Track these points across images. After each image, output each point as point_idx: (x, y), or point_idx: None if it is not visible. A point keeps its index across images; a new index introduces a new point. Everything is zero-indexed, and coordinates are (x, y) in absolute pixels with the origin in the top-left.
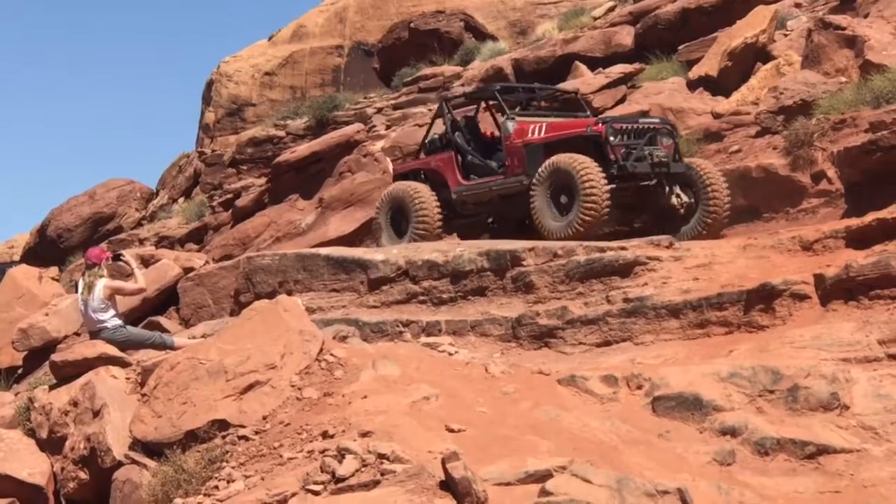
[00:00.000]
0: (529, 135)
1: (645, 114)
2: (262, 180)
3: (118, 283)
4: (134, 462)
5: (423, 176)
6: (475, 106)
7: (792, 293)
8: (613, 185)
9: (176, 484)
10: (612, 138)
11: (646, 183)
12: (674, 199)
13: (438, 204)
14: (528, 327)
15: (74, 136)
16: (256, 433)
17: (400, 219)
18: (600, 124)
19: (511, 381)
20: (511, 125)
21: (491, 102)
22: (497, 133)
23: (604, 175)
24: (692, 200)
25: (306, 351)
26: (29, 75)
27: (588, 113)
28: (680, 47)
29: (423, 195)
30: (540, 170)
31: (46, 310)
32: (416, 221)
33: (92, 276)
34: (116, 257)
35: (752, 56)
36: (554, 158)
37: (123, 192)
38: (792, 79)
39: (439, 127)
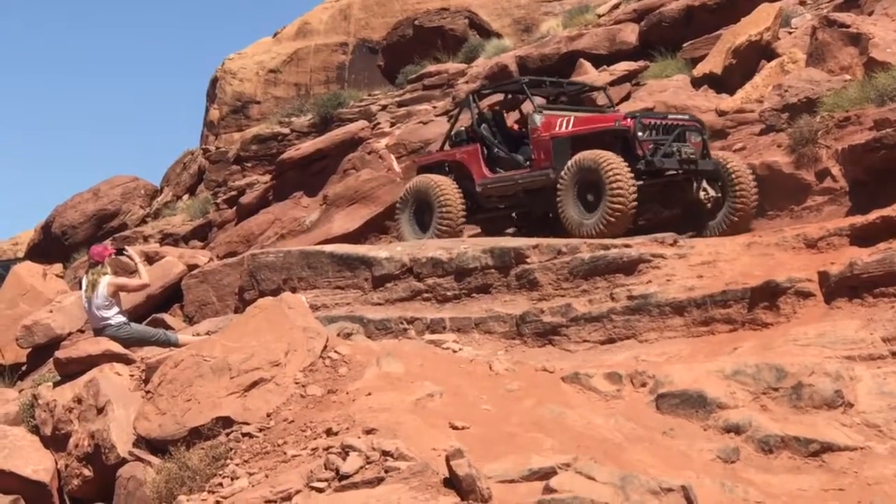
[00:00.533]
0: (557, 128)
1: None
2: (267, 177)
3: (122, 280)
4: (138, 459)
5: (447, 169)
6: (503, 99)
7: (796, 291)
8: (641, 182)
9: (180, 481)
10: (640, 133)
11: (673, 178)
12: (701, 194)
13: (462, 198)
14: (533, 325)
15: (79, 134)
16: (260, 430)
17: (423, 212)
18: (629, 119)
19: (515, 378)
20: (538, 118)
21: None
22: (522, 127)
23: (631, 172)
24: (719, 195)
25: (310, 348)
26: (33, 72)
27: (615, 107)
28: (684, 45)
29: (447, 188)
30: (566, 166)
31: (51, 307)
32: (440, 215)
33: (95, 274)
34: (120, 252)
35: (757, 54)
36: (580, 155)
37: (128, 189)
38: (796, 76)
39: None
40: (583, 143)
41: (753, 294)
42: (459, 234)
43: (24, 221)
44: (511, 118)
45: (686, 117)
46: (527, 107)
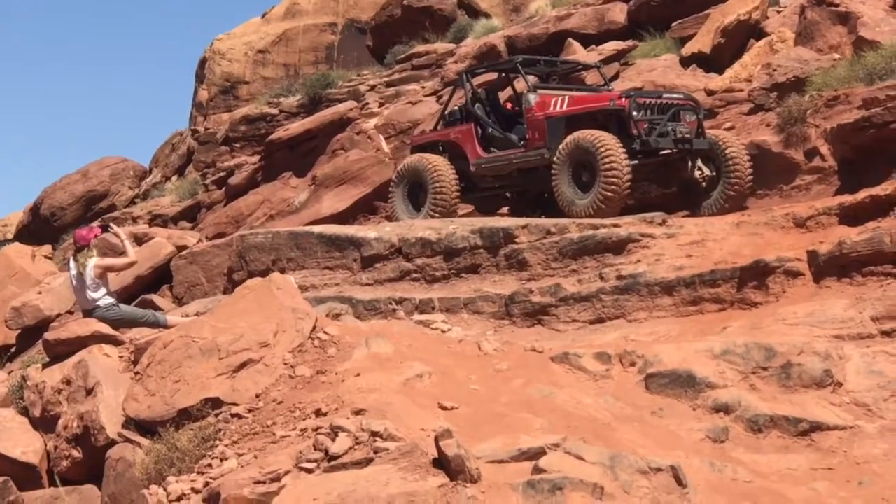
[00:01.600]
0: (551, 108)
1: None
2: (256, 158)
3: (108, 261)
4: (127, 440)
5: (441, 148)
6: (497, 78)
7: (785, 270)
8: (636, 161)
9: (169, 462)
10: (635, 113)
11: (668, 157)
12: (696, 173)
13: (456, 177)
14: (522, 305)
15: (68, 115)
16: (249, 411)
17: (417, 192)
18: (624, 98)
19: (504, 358)
20: (533, 97)
21: (511, 75)
22: (516, 106)
23: (625, 152)
24: (714, 174)
25: (299, 329)
26: (22, 54)
27: (610, 87)
28: (673, 24)
29: (441, 168)
30: (561, 147)
31: (39, 288)
32: (434, 194)
33: (82, 257)
34: (105, 229)
35: (746, 33)
36: (575, 135)
37: (116, 170)
38: (785, 56)
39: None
40: (577, 123)
41: (742, 273)
42: (454, 213)
43: (13, 203)
44: (504, 97)
45: (681, 96)
46: (520, 86)
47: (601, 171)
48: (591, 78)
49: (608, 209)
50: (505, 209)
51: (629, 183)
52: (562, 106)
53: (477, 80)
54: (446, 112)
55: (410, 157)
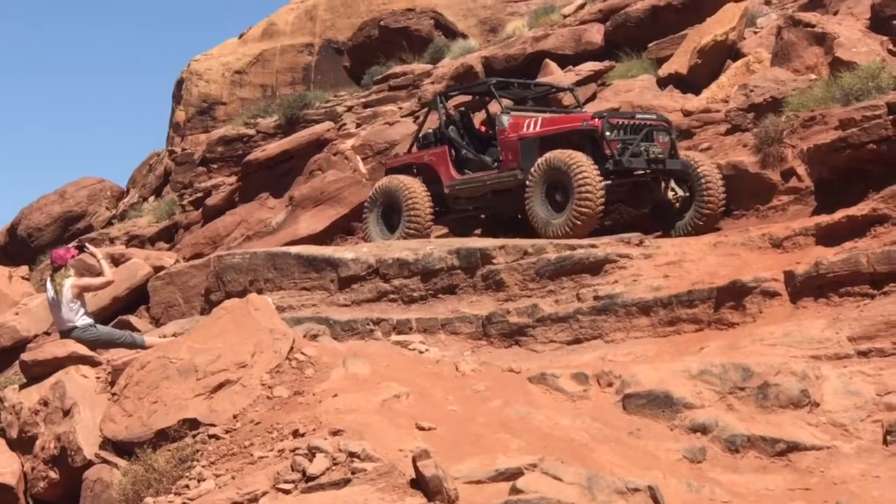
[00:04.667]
0: (524, 129)
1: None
2: (233, 179)
3: (85, 281)
4: (104, 461)
5: (415, 171)
6: (471, 100)
7: (762, 290)
8: (609, 181)
9: (146, 483)
10: (608, 133)
11: (641, 178)
12: (669, 194)
13: (430, 199)
14: (499, 325)
15: (44, 135)
16: (227, 432)
17: (391, 214)
18: (596, 119)
19: (481, 379)
20: (506, 119)
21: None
22: (490, 129)
23: (598, 172)
24: (687, 195)
25: (277, 349)
26: None
27: (582, 108)
28: (650, 45)
29: (415, 190)
30: (534, 167)
31: (16, 309)
32: (408, 217)
33: (59, 277)
34: (81, 248)
35: (722, 53)
36: (548, 155)
37: (94, 190)
38: (762, 76)
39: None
40: (551, 144)
41: (719, 294)
42: (427, 236)
43: None
44: (478, 119)
45: (653, 116)
46: (494, 108)
47: (574, 191)
48: (567, 98)
49: (582, 228)
50: (479, 231)
51: (602, 203)
52: (535, 127)
53: (452, 102)
54: (420, 135)
55: (384, 179)
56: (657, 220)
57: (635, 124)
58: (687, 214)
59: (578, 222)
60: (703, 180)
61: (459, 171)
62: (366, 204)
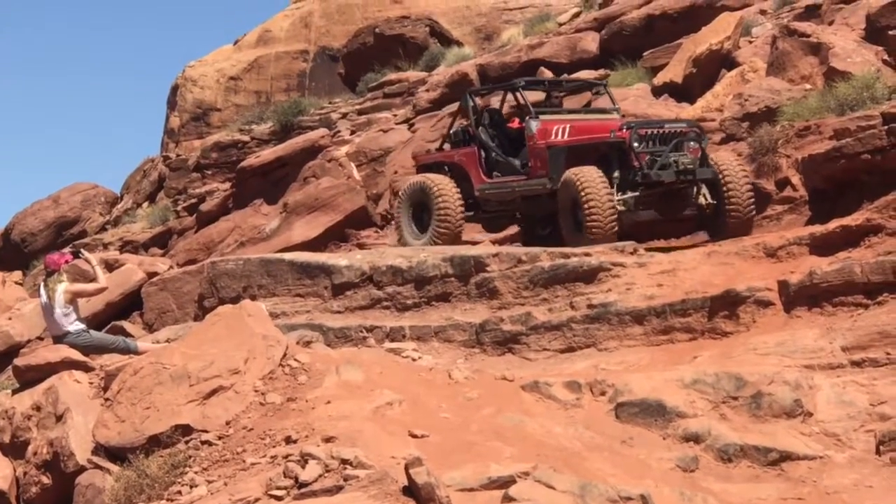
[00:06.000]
0: (553, 136)
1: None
2: (227, 185)
3: (78, 286)
4: (97, 467)
5: (446, 168)
6: (503, 98)
7: (756, 300)
8: (636, 193)
9: (139, 489)
10: (636, 144)
11: (672, 186)
12: (701, 200)
13: (461, 199)
14: (492, 333)
15: (38, 140)
16: (220, 438)
17: (421, 213)
18: (625, 129)
19: (474, 386)
20: (534, 125)
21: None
22: (523, 122)
23: (609, 191)
24: (714, 202)
25: (270, 356)
26: None
27: (617, 108)
28: (645, 53)
29: (446, 189)
30: (562, 182)
31: (10, 314)
32: (438, 218)
33: (52, 282)
34: (76, 254)
35: (717, 63)
36: (567, 173)
37: (88, 196)
38: (757, 85)
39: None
40: (579, 153)
41: (713, 303)
42: (458, 236)
43: None
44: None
45: (683, 125)
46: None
47: (583, 211)
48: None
49: (598, 242)
50: (514, 228)
51: (612, 221)
52: (563, 135)
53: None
54: (451, 132)
55: (414, 178)
56: (698, 225)
57: (665, 133)
58: (718, 221)
59: (592, 237)
60: (727, 187)
61: (489, 173)
62: (396, 203)
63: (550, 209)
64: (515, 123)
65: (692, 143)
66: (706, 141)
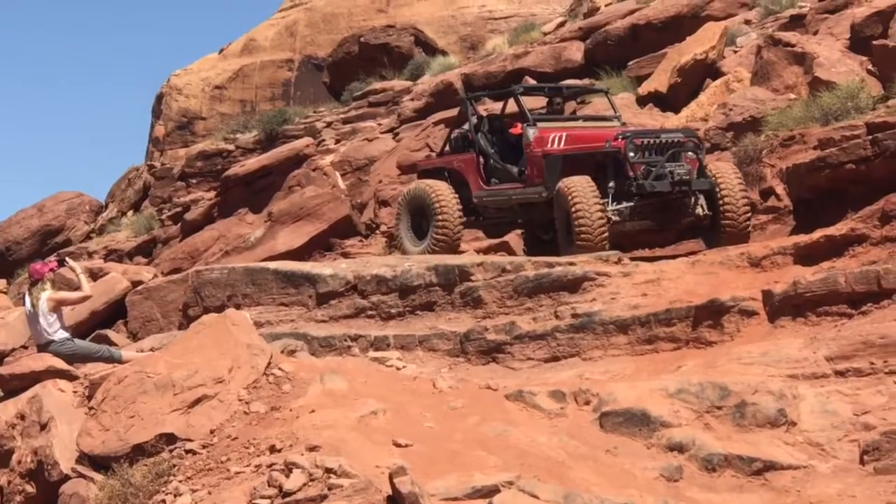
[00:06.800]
0: (549, 144)
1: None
2: (212, 194)
3: (61, 295)
4: (81, 476)
5: (446, 174)
6: (505, 103)
7: (740, 309)
8: (631, 203)
9: (123, 498)
10: (631, 154)
11: (668, 196)
12: (698, 210)
13: (460, 206)
14: (477, 342)
15: (23, 148)
16: (204, 447)
17: (421, 220)
18: (620, 139)
19: (459, 396)
20: (532, 132)
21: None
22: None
23: (599, 202)
24: (710, 213)
25: (254, 365)
26: None
27: (618, 116)
28: (629, 63)
29: (444, 196)
30: (556, 191)
31: None
32: (436, 225)
33: (36, 291)
34: (61, 263)
35: (702, 72)
36: (560, 184)
37: (72, 204)
38: (741, 95)
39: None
40: (575, 161)
41: (697, 312)
42: (457, 244)
43: None
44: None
45: (681, 135)
46: (531, 105)
47: (573, 222)
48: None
49: (588, 251)
50: (515, 232)
51: (602, 233)
52: (559, 144)
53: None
54: (452, 136)
55: (414, 184)
56: (693, 235)
57: (661, 143)
58: (715, 231)
59: (582, 248)
60: (723, 198)
61: (487, 180)
62: (395, 210)
63: (548, 217)
64: (518, 130)
65: (690, 153)
66: (704, 151)
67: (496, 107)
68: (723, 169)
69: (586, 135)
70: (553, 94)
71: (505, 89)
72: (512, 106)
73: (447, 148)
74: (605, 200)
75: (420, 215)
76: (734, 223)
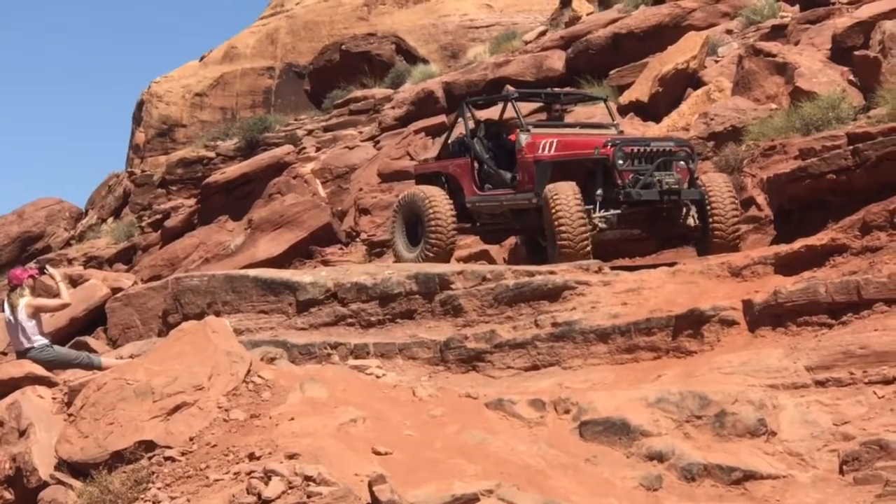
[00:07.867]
0: (540, 150)
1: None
2: (192, 201)
3: (40, 301)
4: (60, 482)
5: (442, 179)
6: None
7: (720, 319)
8: (618, 211)
9: None
10: (620, 162)
11: (657, 205)
12: (689, 220)
13: (454, 212)
14: (457, 351)
15: (1, 154)
16: (183, 454)
17: (415, 225)
18: (609, 146)
19: (439, 404)
20: (524, 138)
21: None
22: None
23: (581, 209)
24: (699, 223)
25: (234, 372)
26: None
27: (616, 124)
28: (611, 72)
29: (438, 202)
30: (542, 194)
31: None
32: (429, 231)
33: (15, 297)
34: (42, 271)
35: (683, 82)
36: (546, 189)
37: (52, 211)
38: (722, 105)
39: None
40: (564, 168)
41: (678, 322)
42: (450, 251)
43: None
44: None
45: (671, 143)
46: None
47: (554, 230)
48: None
49: (570, 259)
50: (512, 238)
51: (584, 241)
52: (549, 150)
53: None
54: (449, 141)
55: (408, 189)
56: (685, 245)
57: (652, 151)
58: (705, 241)
59: (562, 256)
60: (712, 208)
61: (481, 186)
62: (391, 215)
63: (538, 223)
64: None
65: (682, 163)
66: (696, 160)
67: (483, 115)
68: (714, 180)
69: (577, 141)
70: (550, 101)
71: (500, 95)
72: (510, 112)
73: (444, 152)
74: (591, 207)
75: (415, 221)
76: (723, 234)
